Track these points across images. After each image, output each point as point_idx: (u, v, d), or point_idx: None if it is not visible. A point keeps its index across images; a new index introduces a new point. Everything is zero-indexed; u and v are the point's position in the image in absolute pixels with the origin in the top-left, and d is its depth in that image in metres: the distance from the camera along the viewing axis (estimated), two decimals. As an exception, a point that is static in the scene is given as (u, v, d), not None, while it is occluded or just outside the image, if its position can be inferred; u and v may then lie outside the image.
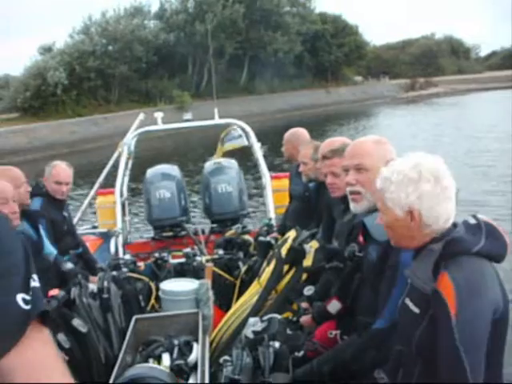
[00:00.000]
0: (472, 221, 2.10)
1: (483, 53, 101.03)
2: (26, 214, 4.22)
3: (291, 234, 3.90)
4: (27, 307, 1.09)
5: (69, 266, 4.30)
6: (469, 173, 14.13)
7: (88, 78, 40.34)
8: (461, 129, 26.14)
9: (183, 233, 6.38)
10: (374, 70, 71.95)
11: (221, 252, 4.90)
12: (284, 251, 3.78)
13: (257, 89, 49.86)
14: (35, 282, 1.14)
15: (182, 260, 4.82)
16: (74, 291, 3.55)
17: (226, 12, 46.18)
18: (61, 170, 4.83)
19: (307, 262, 3.67)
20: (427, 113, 40.67)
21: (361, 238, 2.94)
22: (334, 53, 58.19)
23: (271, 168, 7.00)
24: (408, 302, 2.14)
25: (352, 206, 2.85)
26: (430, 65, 77.48)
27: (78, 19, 61.62)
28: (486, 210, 9.55)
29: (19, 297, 1.08)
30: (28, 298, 1.10)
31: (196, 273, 4.52)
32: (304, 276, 3.78)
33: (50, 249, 4.41)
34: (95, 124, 34.65)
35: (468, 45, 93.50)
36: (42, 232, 4.35)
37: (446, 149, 16.40)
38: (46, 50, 43.91)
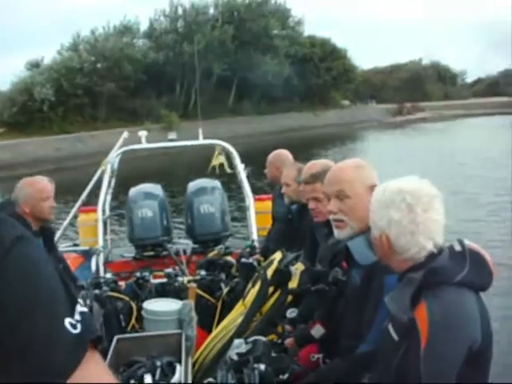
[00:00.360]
0: (457, 247, 2.06)
1: (469, 79, 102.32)
2: (43, 231, 4.23)
3: (277, 255, 3.87)
4: (76, 331, 1.04)
5: None
6: (453, 199, 14.15)
7: (75, 95, 40.29)
8: (446, 155, 26.20)
9: (165, 253, 6.33)
10: (362, 94, 72.48)
11: (203, 273, 4.85)
12: (270, 273, 3.74)
13: (244, 110, 50.01)
14: (82, 307, 1.11)
15: (164, 280, 4.76)
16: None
17: (215, 33, 46.44)
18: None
19: (293, 284, 3.63)
20: (414, 138, 40.96)
21: (344, 263, 2.94)
22: (322, 76, 58.48)
23: (256, 190, 6.97)
24: (390, 327, 2.12)
25: (336, 232, 2.79)
26: (417, 90, 78.15)
27: (68, 36, 61.76)
28: (470, 238, 9.58)
29: (67, 321, 1.04)
30: (74, 321, 1.05)
31: (177, 293, 4.45)
32: (289, 298, 3.74)
33: None
34: (81, 141, 34.51)
35: (455, 71, 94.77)
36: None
37: (431, 174, 16.40)
38: (34, 65, 43.97)
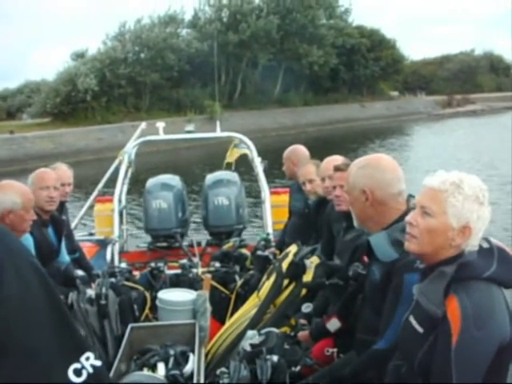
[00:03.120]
0: (485, 245, 2.09)
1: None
2: (52, 219, 4.27)
3: (292, 248, 3.88)
4: (80, 379, 1.09)
5: (80, 273, 4.32)
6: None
7: (118, 85, 40.60)
8: (483, 155, 23.80)
9: (178, 244, 6.33)
10: (411, 85, 71.35)
11: (217, 264, 4.87)
12: (285, 265, 3.74)
13: (291, 101, 49.80)
14: (95, 360, 1.15)
15: (178, 271, 4.81)
16: (72, 296, 3.57)
17: (260, 23, 45.88)
18: (62, 172, 4.88)
19: (307, 277, 3.64)
20: (461, 132, 39.57)
21: (365, 258, 2.95)
22: (370, 67, 57.65)
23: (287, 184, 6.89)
24: (412, 320, 2.15)
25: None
26: (468, 81, 76.36)
27: (114, 26, 62.43)
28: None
29: (71, 368, 1.09)
30: (79, 367, 1.10)
31: (191, 284, 4.49)
32: (303, 291, 3.74)
33: (65, 258, 4.44)
34: (122, 132, 33.94)
35: (509, 61, 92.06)
36: (63, 240, 4.41)
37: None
38: (79, 56, 44.52)
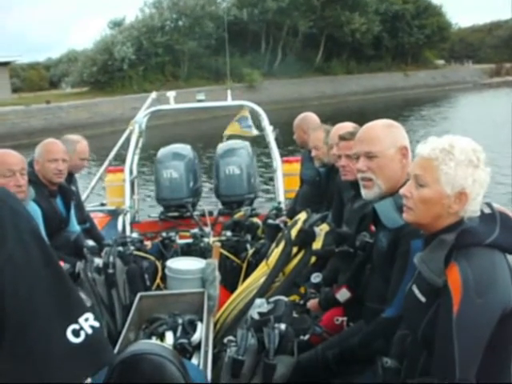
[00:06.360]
0: (487, 210, 2.05)
1: None
2: (60, 189, 4.28)
3: (302, 216, 3.83)
4: (79, 340, 1.10)
5: (91, 243, 4.34)
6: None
7: (156, 54, 40.39)
8: None
9: (190, 213, 6.30)
10: (457, 54, 69.68)
11: (228, 233, 4.86)
12: (294, 233, 3.70)
13: (332, 70, 49.26)
14: (94, 321, 1.17)
15: (189, 240, 4.80)
16: (79, 265, 3.58)
17: (301, -11, 45.32)
18: (84, 146, 4.88)
19: (317, 244, 3.62)
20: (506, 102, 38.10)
21: (372, 227, 2.92)
22: (414, 34, 56.52)
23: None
24: (415, 289, 2.13)
25: (363, 192, 2.79)
26: (520, 49, 73.90)
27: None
28: None
29: (69, 329, 1.10)
30: (78, 327, 1.11)
31: (203, 254, 4.48)
32: (313, 259, 3.69)
33: (75, 227, 4.45)
34: (158, 101, 33.98)
35: None
36: (72, 210, 4.41)
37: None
38: (116, 24, 44.43)
